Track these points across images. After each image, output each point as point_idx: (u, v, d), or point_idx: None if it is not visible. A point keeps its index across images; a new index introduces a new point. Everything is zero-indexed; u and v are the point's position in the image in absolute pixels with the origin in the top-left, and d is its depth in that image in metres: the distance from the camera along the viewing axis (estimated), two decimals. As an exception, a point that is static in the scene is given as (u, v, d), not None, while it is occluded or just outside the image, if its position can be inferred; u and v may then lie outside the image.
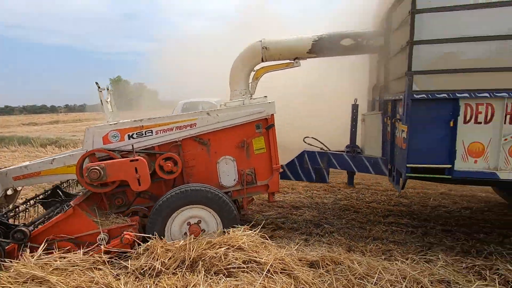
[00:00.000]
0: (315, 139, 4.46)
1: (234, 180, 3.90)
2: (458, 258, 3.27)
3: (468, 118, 2.78)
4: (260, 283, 2.63)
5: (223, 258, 2.89)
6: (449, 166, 2.87)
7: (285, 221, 4.64)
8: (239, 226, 3.40)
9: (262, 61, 4.22)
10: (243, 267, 2.83)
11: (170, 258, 2.96)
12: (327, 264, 2.99)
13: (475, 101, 2.72)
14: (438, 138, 2.85)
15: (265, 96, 4.08)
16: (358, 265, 2.89)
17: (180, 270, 2.87)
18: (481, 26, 2.60)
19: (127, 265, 2.95)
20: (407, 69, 2.82)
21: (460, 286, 2.66)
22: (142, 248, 3.10)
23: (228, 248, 3.02)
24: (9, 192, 3.84)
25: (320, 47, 4.01)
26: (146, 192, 3.67)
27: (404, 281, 2.67)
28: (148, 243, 3.13)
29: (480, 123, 2.75)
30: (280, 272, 2.78)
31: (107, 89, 4.12)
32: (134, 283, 2.73)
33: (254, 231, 3.28)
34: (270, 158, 3.90)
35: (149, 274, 2.84)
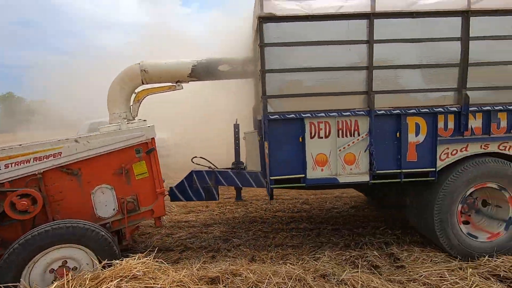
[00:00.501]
0: (203, 158, 4.22)
1: (114, 209, 3.38)
2: (340, 252, 3.58)
3: (313, 134, 3.16)
4: None
5: None
6: (303, 175, 3.19)
7: (195, 241, 4.37)
8: (121, 258, 2.94)
9: (143, 83, 3.76)
10: None
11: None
12: (227, 278, 2.91)
13: (316, 120, 3.13)
14: (292, 152, 3.15)
15: (144, 120, 3.67)
16: (252, 274, 2.90)
17: None
18: (314, 59, 3.05)
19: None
20: (262, 93, 3.07)
21: (336, 276, 2.91)
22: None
23: (120, 280, 2.65)
24: None
25: (200, 72, 3.86)
26: None
27: (290, 281, 2.78)
28: None
29: (322, 137, 3.15)
30: None
31: None
32: None
33: (149, 257, 2.99)
34: (154, 182, 3.49)
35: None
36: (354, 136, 3.08)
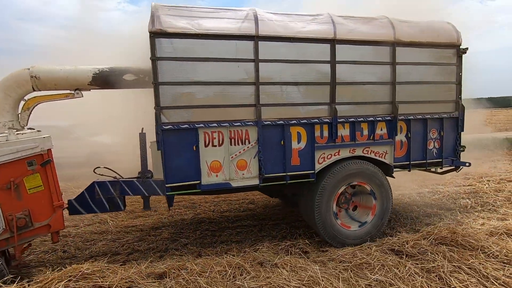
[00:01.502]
0: (108, 168, 4.06)
1: (1, 228, 3.01)
2: (277, 243, 3.90)
3: (207, 142, 3.35)
4: None
5: None
6: (198, 181, 3.37)
7: (142, 243, 4.37)
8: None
9: (34, 90, 3.49)
10: None
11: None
12: (173, 272, 3.03)
13: (210, 129, 3.34)
14: (187, 160, 3.31)
15: (38, 130, 3.38)
16: (196, 266, 3.08)
17: None
18: (206, 74, 3.26)
19: None
20: (155, 104, 3.17)
21: (271, 262, 3.23)
22: None
23: (69, 280, 2.74)
24: None
25: (103, 80, 3.73)
26: None
27: (230, 269, 3.04)
28: None
29: (215, 146, 3.37)
30: None
31: None
32: None
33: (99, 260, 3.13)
34: (50, 195, 3.27)
35: None
36: (245, 144, 3.38)
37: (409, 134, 3.93)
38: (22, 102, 3.65)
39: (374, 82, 3.72)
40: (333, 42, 3.49)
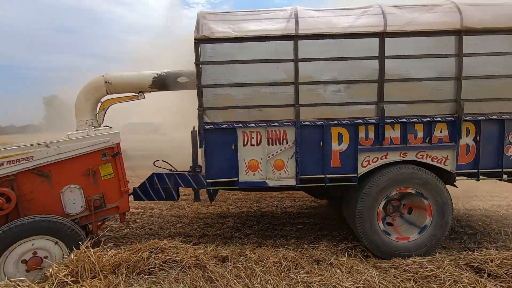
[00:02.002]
0: (165, 162, 4.55)
1: (82, 207, 3.76)
2: (337, 243, 3.88)
3: (245, 142, 3.44)
4: (174, 276, 2.97)
5: (145, 260, 3.20)
6: (236, 179, 3.50)
7: (211, 229, 4.85)
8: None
9: (107, 93, 4.11)
10: (162, 266, 3.15)
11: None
12: (234, 257, 3.34)
13: (248, 129, 3.42)
14: (226, 158, 3.45)
15: (110, 127, 3.99)
16: (254, 255, 3.31)
17: (104, 275, 3.06)
18: (245, 75, 3.33)
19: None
20: (198, 105, 3.38)
21: (327, 260, 3.25)
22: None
23: (151, 251, 3.33)
24: None
25: (160, 83, 4.16)
26: None
27: (285, 261, 3.17)
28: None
29: (254, 145, 3.44)
30: (194, 267, 3.15)
31: None
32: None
33: (175, 239, 3.65)
34: (119, 182, 3.84)
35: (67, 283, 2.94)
36: (282, 144, 3.37)
37: (478, 138, 3.35)
38: (99, 104, 4.34)
39: (432, 77, 3.26)
40: (382, 35, 3.18)
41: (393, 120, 3.30)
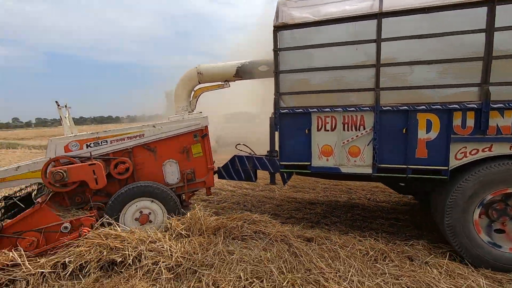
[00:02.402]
0: (245, 145, 4.91)
1: (177, 178, 4.43)
2: (438, 245, 3.51)
3: (319, 127, 3.39)
4: (262, 246, 3.32)
5: (239, 228, 3.71)
6: (308, 163, 3.49)
7: (298, 213, 5.09)
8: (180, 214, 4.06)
9: (199, 83, 4.66)
10: (253, 235, 3.59)
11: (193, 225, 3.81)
12: (319, 239, 3.51)
13: (323, 114, 3.35)
14: (300, 142, 3.47)
15: (200, 112, 4.53)
16: (339, 239, 3.42)
17: (207, 234, 3.69)
18: (323, 59, 3.24)
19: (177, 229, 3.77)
20: (275, 91, 3.47)
21: (422, 259, 3.03)
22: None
23: (244, 221, 3.84)
24: None
25: (243, 72, 4.50)
26: (102, 190, 4.09)
27: (371, 251, 3.12)
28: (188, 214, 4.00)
29: (328, 130, 3.36)
30: (280, 241, 3.43)
31: (66, 107, 4.53)
32: (175, 240, 3.55)
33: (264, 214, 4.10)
34: (206, 160, 4.37)
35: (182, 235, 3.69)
36: (359, 130, 3.22)
37: None
38: (192, 92, 4.97)
39: None
40: (492, 2, 2.63)
41: (502, 105, 2.73)
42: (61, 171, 3.83)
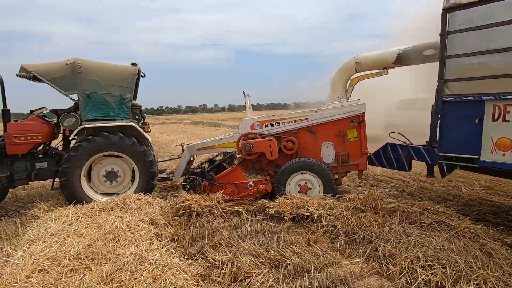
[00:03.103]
0: (400, 134, 5.03)
1: (332, 159, 5.11)
2: None
3: (496, 116, 3.06)
4: (445, 237, 3.17)
5: (418, 215, 3.67)
6: (476, 156, 3.19)
7: (495, 217, 4.41)
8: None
9: (356, 72, 5.14)
10: (434, 225, 3.46)
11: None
12: None
13: (502, 102, 3.01)
14: (465, 133, 3.21)
15: (358, 99, 5.02)
16: None
17: (382, 214, 3.86)
18: (503, 40, 2.96)
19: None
20: (439, 77, 3.38)
21: None
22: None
23: (425, 209, 3.79)
24: (191, 158, 5.95)
25: (404, 58, 4.67)
26: (274, 161, 5.23)
27: None
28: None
29: (508, 121, 3.00)
30: (469, 237, 3.16)
31: (247, 95, 5.92)
32: (350, 212, 3.99)
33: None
34: (361, 144, 4.88)
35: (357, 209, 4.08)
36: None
37: None
38: (348, 82, 5.46)
39: None
40: None
41: None
42: (250, 143, 5.19)
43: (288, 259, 2.91)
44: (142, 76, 5.85)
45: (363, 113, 4.86)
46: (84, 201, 4.88)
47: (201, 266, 2.99)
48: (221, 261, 2.95)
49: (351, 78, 5.43)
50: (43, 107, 5.62)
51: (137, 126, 5.43)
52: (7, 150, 4.96)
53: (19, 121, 5.28)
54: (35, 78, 5.06)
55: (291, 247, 3.13)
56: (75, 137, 5.19)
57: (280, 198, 4.57)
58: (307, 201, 4.33)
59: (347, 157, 5.03)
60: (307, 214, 4.01)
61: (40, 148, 5.60)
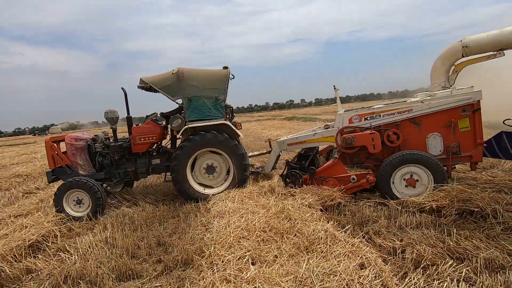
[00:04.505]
0: (517, 121, 4.70)
1: (440, 151, 4.88)
2: None
3: None
4: None
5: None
6: None
7: None
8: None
9: (462, 57, 4.85)
10: None
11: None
12: None
13: None
14: None
15: (471, 86, 4.73)
16: None
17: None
18: None
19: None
20: None
21: None
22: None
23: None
24: (280, 153, 6.07)
25: None
26: (374, 155, 5.05)
27: None
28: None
29: None
30: None
31: (337, 89, 5.76)
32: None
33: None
34: (474, 135, 4.62)
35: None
36: None
37: None
38: (452, 67, 5.17)
39: None
40: None
41: None
42: (350, 137, 5.05)
43: (473, 252, 2.72)
44: (231, 78, 6.00)
45: (479, 101, 4.58)
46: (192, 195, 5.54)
47: (376, 250, 3.01)
48: (393, 247, 2.86)
49: (455, 63, 5.15)
50: (155, 112, 6.32)
51: (230, 124, 5.75)
52: (132, 149, 5.80)
53: (139, 125, 6.09)
54: (151, 88, 5.74)
55: (471, 241, 2.94)
56: (180, 136, 5.76)
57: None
58: (470, 192, 4.01)
59: (458, 149, 4.76)
60: (476, 209, 3.70)
61: (154, 147, 6.28)
